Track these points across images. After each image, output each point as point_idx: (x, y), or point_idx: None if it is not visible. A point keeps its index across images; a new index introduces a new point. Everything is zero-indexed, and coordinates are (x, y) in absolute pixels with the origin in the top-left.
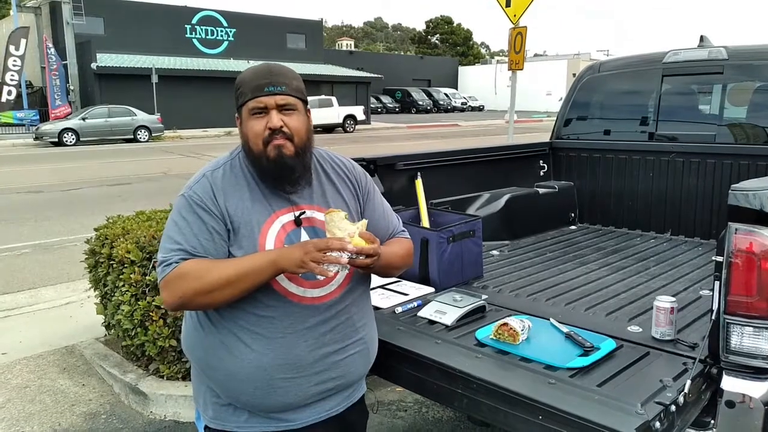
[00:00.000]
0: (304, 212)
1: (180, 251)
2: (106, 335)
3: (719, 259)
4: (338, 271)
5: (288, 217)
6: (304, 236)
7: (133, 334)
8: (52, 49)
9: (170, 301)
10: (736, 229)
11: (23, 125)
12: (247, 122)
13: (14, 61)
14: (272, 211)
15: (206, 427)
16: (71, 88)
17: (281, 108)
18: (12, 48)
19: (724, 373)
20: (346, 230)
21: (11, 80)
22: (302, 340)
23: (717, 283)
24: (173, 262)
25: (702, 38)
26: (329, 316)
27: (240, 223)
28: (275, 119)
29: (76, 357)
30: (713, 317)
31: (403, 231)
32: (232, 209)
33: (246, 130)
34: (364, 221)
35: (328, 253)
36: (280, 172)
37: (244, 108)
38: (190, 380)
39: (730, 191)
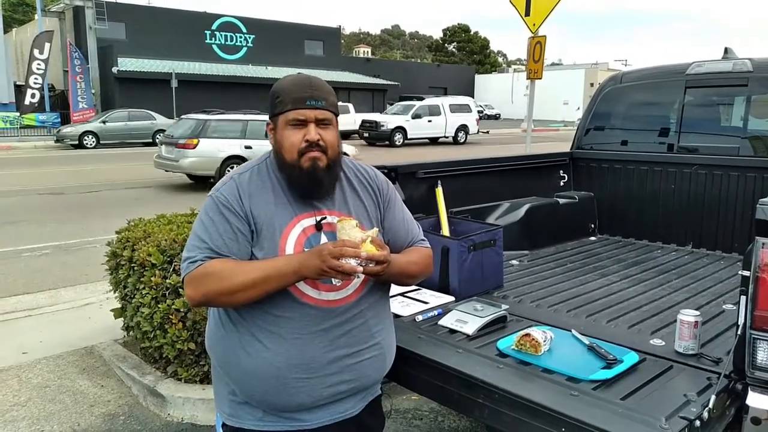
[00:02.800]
0: (325, 217)
1: (206, 249)
2: (124, 337)
3: (746, 273)
4: (354, 278)
5: (309, 221)
6: (324, 240)
7: (152, 336)
8: (77, 53)
9: (194, 297)
10: (763, 244)
11: (45, 127)
12: (283, 131)
13: (38, 64)
14: (294, 214)
15: (224, 425)
16: (93, 91)
17: (319, 122)
18: (36, 52)
19: (749, 389)
20: (356, 238)
21: (35, 83)
22: (317, 342)
23: (743, 297)
24: (198, 259)
25: (726, 50)
26: (344, 319)
27: (263, 225)
28: (313, 132)
29: (95, 358)
30: (739, 332)
31: (423, 240)
32: (256, 211)
33: (281, 138)
34: (375, 229)
35: (342, 260)
36: (311, 183)
37: (282, 117)
38: (207, 383)
39: (758, 205)
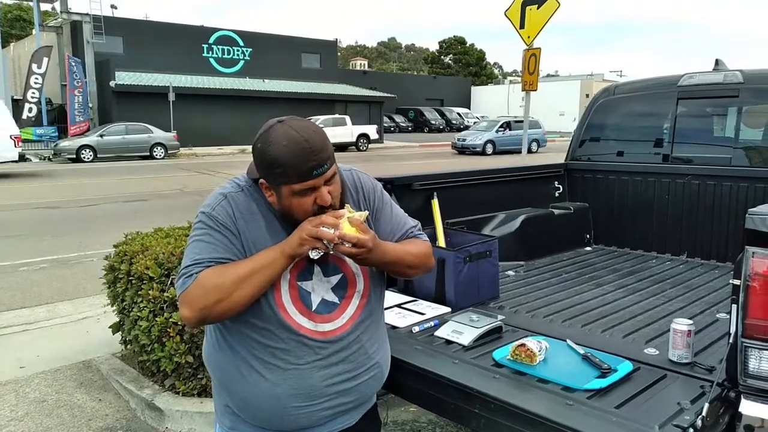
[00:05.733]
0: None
1: (201, 265)
2: (122, 351)
3: (737, 282)
4: (329, 250)
5: None
6: (318, 269)
7: (149, 349)
8: (76, 66)
9: (191, 317)
10: (753, 253)
11: (42, 141)
12: (291, 199)
13: (36, 79)
14: None
15: None
16: (90, 105)
17: (326, 182)
18: (35, 66)
19: (742, 396)
20: (340, 213)
21: (32, 98)
22: (315, 372)
23: (734, 306)
24: (194, 273)
25: (717, 62)
26: (341, 347)
27: (255, 251)
28: (326, 197)
29: (92, 372)
30: (731, 340)
31: (420, 234)
32: (250, 236)
33: (289, 205)
34: (364, 213)
35: (321, 228)
36: None
37: (286, 188)
38: (205, 396)
39: (747, 215)
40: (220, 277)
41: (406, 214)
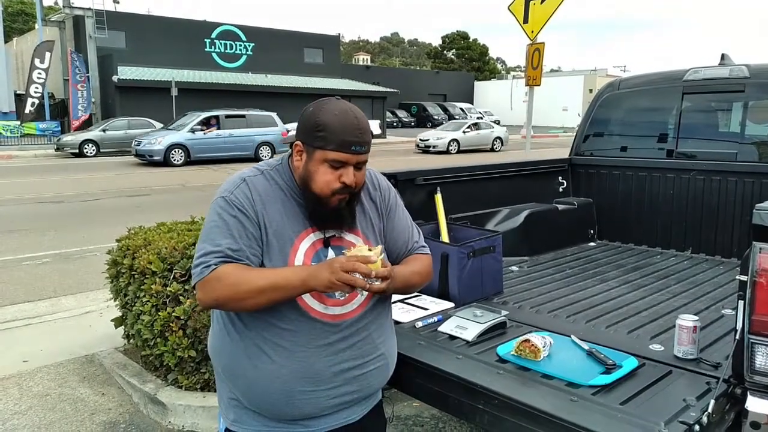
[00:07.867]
0: (334, 235)
1: (220, 254)
2: (125, 345)
3: (743, 278)
4: (357, 291)
5: (318, 235)
6: (331, 255)
7: (152, 344)
8: (79, 60)
9: (205, 301)
10: (761, 249)
11: (45, 136)
12: (319, 167)
13: (39, 73)
14: (305, 227)
15: (227, 430)
16: (93, 100)
17: (357, 164)
18: (37, 61)
19: (748, 393)
20: (367, 255)
21: (35, 92)
22: (322, 356)
23: (741, 302)
24: (212, 264)
25: (723, 56)
26: (349, 333)
27: (273, 234)
28: (352, 176)
29: (95, 366)
30: (737, 337)
31: (424, 246)
32: (268, 218)
33: (314, 172)
34: (380, 247)
35: (353, 274)
36: (335, 218)
37: (320, 152)
38: (208, 391)
39: (754, 211)
40: (237, 278)
41: (413, 222)
